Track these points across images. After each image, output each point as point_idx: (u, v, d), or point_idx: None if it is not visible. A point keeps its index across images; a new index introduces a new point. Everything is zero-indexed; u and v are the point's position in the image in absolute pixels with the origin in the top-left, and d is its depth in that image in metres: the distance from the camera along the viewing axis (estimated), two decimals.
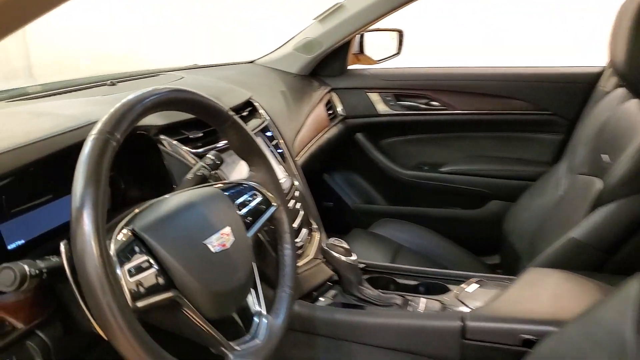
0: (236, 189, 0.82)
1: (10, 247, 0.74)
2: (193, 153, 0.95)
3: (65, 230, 0.54)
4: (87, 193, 0.53)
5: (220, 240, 0.69)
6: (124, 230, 0.62)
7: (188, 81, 1.27)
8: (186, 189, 0.77)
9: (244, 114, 1.22)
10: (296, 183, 1.27)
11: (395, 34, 1.97)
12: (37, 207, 0.76)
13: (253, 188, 0.84)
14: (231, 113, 0.77)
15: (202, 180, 0.86)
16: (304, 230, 1.20)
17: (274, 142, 1.28)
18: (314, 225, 1.26)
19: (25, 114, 0.76)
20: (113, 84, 1.14)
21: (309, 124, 1.58)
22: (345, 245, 1.07)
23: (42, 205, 0.76)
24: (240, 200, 0.80)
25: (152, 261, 0.61)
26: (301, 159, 1.46)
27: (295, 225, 1.14)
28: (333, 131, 1.77)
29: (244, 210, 0.79)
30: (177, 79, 1.27)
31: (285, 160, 1.30)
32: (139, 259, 0.60)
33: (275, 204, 0.85)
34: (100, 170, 0.55)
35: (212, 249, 0.67)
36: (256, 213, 0.81)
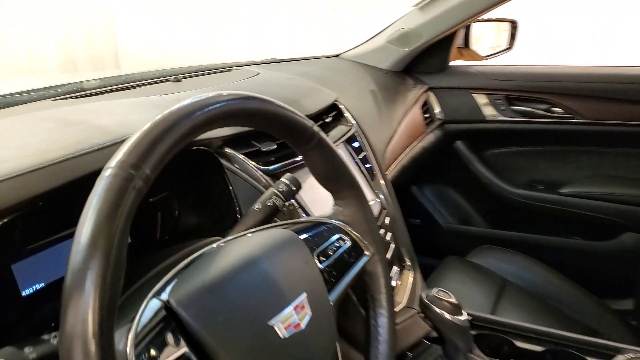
0: (316, 231, 0.60)
1: (26, 292, 0.58)
2: (263, 171, 0.75)
3: None
4: (91, 267, 0.33)
5: (293, 318, 0.47)
6: (153, 303, 0.42)
7: (265, 78, 1.07)
8: (249, 231, 0.56)
9: (328, 119, 1.00)
10: (386, 206, 1.03)
11: (506, 25, 1.67)
12: (62, 241, 0.59)
13: (339, 229, 0.62)
14: (317, 129, 0.54)
15: (272, 212, 0.65)
16: (395, 269, 0.96)
17: (362, 155, 1.05)
18: (407, 262, 1.01)
19: (53, 121, 0.59)
20: (177, 80, 0.97)
21: (402, 131, 1.33)
22: (453, 300, 0.82)
23: (68, 238, 0.59)
24: (322, 248, 0.58)
25: (193, 358, 0.40)
26: (391, 173, 1.22)
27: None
28: (429, 138, 1.51)
29: (326, 262, 0.57)
30: (252, 76, 1.07)
31: (374, 177, 1.06)
32: (173, 354, 0.40)
33: (367, 253, 0.62)
34: (114, 227, 0.35)
35: (281, 333, 0.46)
36: (342, 266, 0.59)
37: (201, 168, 0.73)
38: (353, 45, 1.62)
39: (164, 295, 0.43)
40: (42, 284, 0.59)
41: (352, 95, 1.25)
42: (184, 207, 0.74)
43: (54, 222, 0.57)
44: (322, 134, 0.56)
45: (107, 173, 0.37)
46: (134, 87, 0.92)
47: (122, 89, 0.90)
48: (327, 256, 0.58)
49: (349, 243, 0.61)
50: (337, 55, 1.62)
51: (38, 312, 0.57)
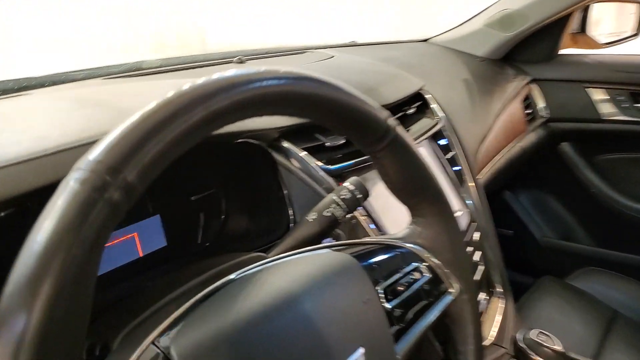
0: (384, 257, 0.46)
1: None
2: (327, 171, 0.62)
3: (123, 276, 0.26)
4: (24, 326, 0.22)
5: None
6: (150, 351, 0.31)
7: (339, 61, 0.94)
8: (295, 252, 0.43)
9: (410, 111, 0.84)
10: (475, 217, 0.87)
11: (634, 7, 1.40)
12: None
13: (416, 257, 0.47)
14: (392, 123, 0.40)
15: (330, 224, 0.52)
16: (481, 295, 0.79)
17: (450, 155, 0.89)
18: (498, 288, 0.84)
19: (72, 101, 0.51)
20: (241, 62, 0.87)
21: (498, 128, 1.15)
22: (558, 348, 0.64)
23: None
24: (390, 281, 0.44)
25: None
26: (484, 177, 1.04)
27: None
28: (530, 138, 1.31)
29: (395, 301, 0.43)
30: (325, 59, 0.94)
31: (463, 182, 0.90)
32: None
33: (452, 290, 0.47)
34: (68, 261, 0.23)
35: None
36: (417, 307, 0.44)
37: (253, 164, 0.61)
38: (445, 29, 1.44)
39: (165, 341, 0.31)
40: None
41: (442, 84, 1.09)
42: (231, 209, 0.63)
43: None
44: (400, 129, 0.41)
45: (73, 176, 0.25)
46: (194, 67, 0.83)
47: (180, 70, 0.81)
48: (397, 293, 0.43)
49: (427, 276, 0.46)
50: (425, 40, 1.45)
51: None
